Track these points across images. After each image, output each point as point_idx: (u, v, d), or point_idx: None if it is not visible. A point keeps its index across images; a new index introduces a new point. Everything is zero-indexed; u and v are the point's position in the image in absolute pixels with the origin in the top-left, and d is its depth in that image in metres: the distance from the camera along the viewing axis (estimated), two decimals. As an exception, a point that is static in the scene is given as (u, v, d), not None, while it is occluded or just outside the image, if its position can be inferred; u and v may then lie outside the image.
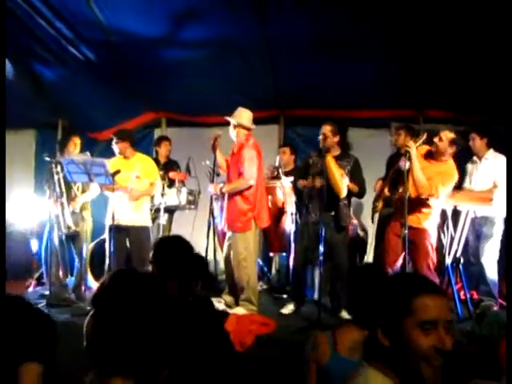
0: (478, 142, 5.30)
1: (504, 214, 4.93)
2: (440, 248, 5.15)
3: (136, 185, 5.26)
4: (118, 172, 4.97)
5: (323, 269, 4.62)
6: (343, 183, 4.72)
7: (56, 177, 5.16)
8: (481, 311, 4.51)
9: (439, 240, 5.10)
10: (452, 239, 5.05)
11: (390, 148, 6.24)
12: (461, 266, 5.07)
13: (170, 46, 5.37)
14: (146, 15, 4.81)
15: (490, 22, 4.29)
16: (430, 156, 4.59)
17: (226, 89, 6.06)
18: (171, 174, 5.90)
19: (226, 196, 4.97)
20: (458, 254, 5.08)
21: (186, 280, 2.50)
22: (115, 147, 5.36)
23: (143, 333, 1.30)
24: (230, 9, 4.61)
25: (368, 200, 5.54)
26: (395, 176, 4.74)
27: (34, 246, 5.66)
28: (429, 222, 4.48)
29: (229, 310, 4.67)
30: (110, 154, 5.63)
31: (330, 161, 4.76)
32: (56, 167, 5.17)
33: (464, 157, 5.52)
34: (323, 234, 4.58)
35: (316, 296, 5.09)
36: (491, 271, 5.03)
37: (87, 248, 5.42)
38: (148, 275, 1.49)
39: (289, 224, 5.71)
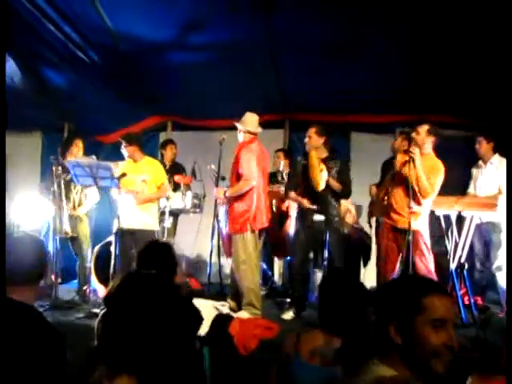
0: (484, 146, 5.31)
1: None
2: (444, 253, 5.16)
3: (142, 188, 5.28)
4: (123, 175, 5.00)
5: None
6: (321, 177, 4.80)
7: (57, 180, 5.20)
8: (485, 317, 4.51)
9: (443, 245, 5.11)
10: (456, 245, 5.04)
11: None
12: (465, 272, 5.06)
13: (176, 51, 5.39)
14: (153, 20, 4.85)
15: (495, 24, 4.29)
16: (407, 153, 4.63)
17: (231, 93, 6.07)
18: (176, 178, 5.92)
19: (230, 199, 4.98)
20: (463, 260, 5.07)
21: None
22: (124, 151, 5.38)
23: (151, 333, 1.33)
24: (234, 13, 4.64)
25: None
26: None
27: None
28: (420, 222, 4.50)
29: (233, 314, 4.68)
30: (115, 157, 5.66)
31: (313, 156, 4.87)
32: (57, 170, 5.23)
33: (468, 161, 5.55)
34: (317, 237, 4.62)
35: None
36: (502, 279, 5.02)
37: (89, 251, 5.45)
38: (158, 277, 1.51)
39: (292, 228, 5.72)
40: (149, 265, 2.68)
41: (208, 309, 4.50)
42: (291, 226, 5.74)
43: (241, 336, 3.85)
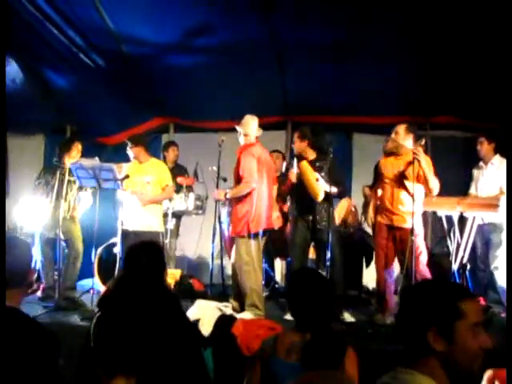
0: (485, 147, 5.34)
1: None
2: (446, 254, 5.18)
3: (146, 190, 5.29)
4: (126, 177, 5.02)
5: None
6: (319, 187, 4.80)
7: (52, 181, 5.24)
8: (487, 317, 4.52)
9: (446, 246, 5.13)
10: (458, 245, 5.06)
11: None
12: (467, 272, 5.08)
13: (177, 52, 5.42)
14: (155, 22, 4.88)
15: (499, 26, 4.30)
16: (392, 154, 4.74)
17: (233, 94, 6.09)
18: (179, 179, 5.94)
19: (232, 201, 5.00)
20: (465, 261, 5.09)
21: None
22: (129, 152, 5.40)
23: (145, 334, 1.35)
24: (235, 14, 4.66)
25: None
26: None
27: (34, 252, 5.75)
28: (415, 221, 4.50)
29: (236, 315, 4.69)
30: (118, 158, 5.68)
31: (305, 166, 4.88)
32: (56, 171, 5.26)
33: (470, 162, 5.56)
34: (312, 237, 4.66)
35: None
36: (501, 279, 5.03)
37: (81, 251, 5.43)
38: (151, 279, 1.53)
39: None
40: (136, 266, 2.69)
41: (211, 310, 4.52)
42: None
43: (244, 337, 3.86)
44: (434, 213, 5.38)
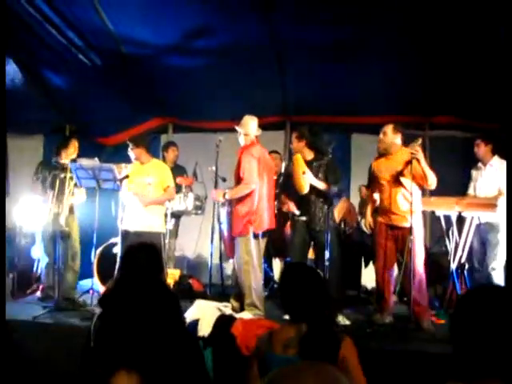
0: (482, 148, 5.34)
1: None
2: (445, 253, 5.19)
3: (147, 191, 5.29)
4: (126, 177, 5.03)
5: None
6: (304, 180, 4.85)
7: (49, 177, 5.27)
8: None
9: (444, 246, 5.15)
10: (457, 245, 5.08)
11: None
12: (465, 272, 5.10)
13: (177, 53, 5.42)
14: (154, 23, 4.88)
15: (499, 26, 4.32)
16: (384, 155, 4.77)
17: (232, 95, 6.11)
18: (178, 180, 5.94)
19: (233, 201, 5.01)
20: (463, 260, 5.11)
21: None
22: (131, 153, 5.40)
23: (146, 330, 1.36)
24: (235, 14, 4.66)
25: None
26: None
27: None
28: (415, 220, 4.51)
29: (235, 315, 4.71)
30: (117, 159, 5.68)
31: (297, 159, 4.97)
32: (53, 168, 5.29)
33: (469, 162, 5.58)
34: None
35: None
36: (498, 280, 5.05)
37: (79, 250, 5.45)
38: (150, 278, 1.54)
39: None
40: (134, 267, 2.71)
41: (210, 310, 4.53)
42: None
43: (243, 336, 3.87)
44: (433, 212, 5.40)
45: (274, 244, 5.88)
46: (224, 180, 5.52)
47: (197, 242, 6.51)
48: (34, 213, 5.50)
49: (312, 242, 5.09)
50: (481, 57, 4.94)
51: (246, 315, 4.68)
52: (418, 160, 4.40)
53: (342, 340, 2.20)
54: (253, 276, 4.81)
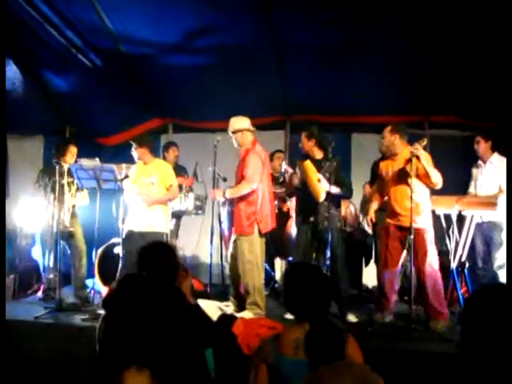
0: (482, 145, 5.36)
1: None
2: (445, 252, 5.19)
3: (150, 191, 5.29)
4: (126, 177, 5.04)
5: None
6: (320, 187, 4.84)
7: (50, 183, 5.26)
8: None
9: (444, 244, 5.15)
10: (457, 244, 5.08)
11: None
12: (466, 271, 5.10)
13: (177, 53, 5.43)
14: (154, 22, 4.89)
15: (499, 26, 4.33)
16: (389, 157, 4.76)
17: (232, 94, 6.10)
18: (178, 180, 5.94)
19: (234, 200, 5.02)
20: (463, 259, 5.11)
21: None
22: (134, 153, 5.39)
23: (150, 334, 1.36)
24: (235, 14, 4.67)
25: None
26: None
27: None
28: (424, 220, 4.52)
29: (236, 314, 4.71)
30: (118, 159, 5.69)
31: (308, 166, 4.94)
32: (53, 173, 5.28)
33: (469, 161, 5.58)
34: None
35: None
36: (504, 278, 5.05)
37: (84, 249, 5.47)
38: (155, 278, 1.54)
39: (294, 229, 5.76)
40: (149, 266, 2.71)
41: (212, 309, 4.54)
42: (292, 227, 5.78)
43: (244, 336, 3.88)
44: (433, 211, 5.40)
45: (275, 244, 5.89)
46: (225, 180, 5.52)
47: (197, 241, 6.51)
48: (34, 214, 5.51)
49: (317, 243, 5.10)
50: (481, 56, 4.94)
51: (248, 314, 4.69)
52: (418, 158, 4.39)
53: (347, 339, 2.20)
54: (256, 274, 4.83)
